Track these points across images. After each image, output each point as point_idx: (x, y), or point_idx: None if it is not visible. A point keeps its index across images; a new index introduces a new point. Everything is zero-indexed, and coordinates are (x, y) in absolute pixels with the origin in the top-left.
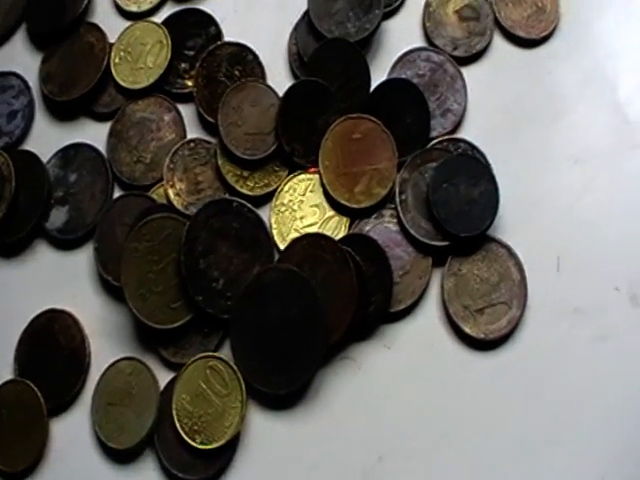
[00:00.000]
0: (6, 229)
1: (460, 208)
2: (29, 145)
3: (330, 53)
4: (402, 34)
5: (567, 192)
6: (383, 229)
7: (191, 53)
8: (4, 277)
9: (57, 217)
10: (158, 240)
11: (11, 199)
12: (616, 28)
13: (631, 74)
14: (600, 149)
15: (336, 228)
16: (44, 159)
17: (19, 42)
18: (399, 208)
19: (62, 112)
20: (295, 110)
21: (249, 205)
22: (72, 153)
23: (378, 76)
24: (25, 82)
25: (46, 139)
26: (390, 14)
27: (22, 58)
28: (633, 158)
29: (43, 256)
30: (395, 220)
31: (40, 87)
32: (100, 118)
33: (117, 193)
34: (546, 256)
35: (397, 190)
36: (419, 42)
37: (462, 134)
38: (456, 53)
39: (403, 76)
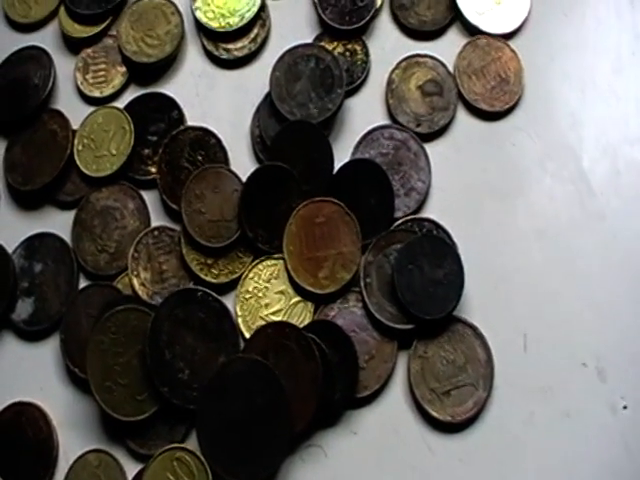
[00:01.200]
0: None
1: (425, 290)
2: None
3: (292, 136)
4: (365, 111)
5: (531, 267)
6: (348, 313)
7: (154, 138)
8: None
9: (23, 308)
10: (123, 332)
11: None
12: (579, 97)
13: (594, 144)
14: (565, 221)
15: (302, 314)
16: (9, 249)
17: None
18: (364, 292)
19: (26, 201)
20: (258, 195)
21: (214, 294)
22: (37, 243)
23: (342, 155)
24: None
25: (11, 228)
26: (352, 92)
27: None
28: (598, 229)
29: (9, 347)
30: (360, 304)
31: (5, 176)
32: (64, 207)
33: (82, 282)
34: (513, 334)
35: (362, 274)
36: (382, 119)
37: (426, 212)
38: (419, 130)
39: (366, 155)
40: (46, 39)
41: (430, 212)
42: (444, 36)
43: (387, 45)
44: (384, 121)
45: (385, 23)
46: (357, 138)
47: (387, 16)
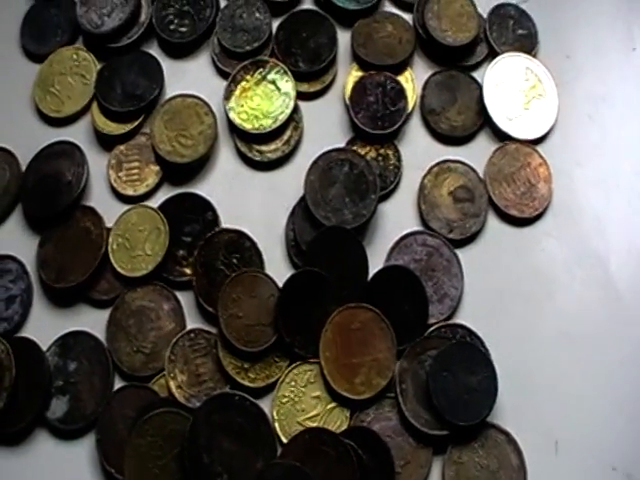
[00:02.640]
0: (6, 418)
1: (459, 397)
2: (27, 331)
3: (328, 242)
4: (397, 216)
5: (561, 372)
6: (384, 419)
7: (188, 239)
8: (4, 467)
9: (58, 407)
10: (161, 435)
11: (11, 389)
12: (604, 200)
13: (620, 248)
14: (593, 326)
15: (338, 419)
16: (43, 346)
17: (15, 224)
18: (399, 398)
19: (60, 298)
20: (294, 301)
21: (251, 399)
22: (71, 341)
23: (375, 260)
24: (23, 266)
25: (45, 325)
26: (385, 196)
27: (18, 240)
28: (625, 334)
29: (44, 446)
30: (395, 410)
31: (38, 273)
32: (98, 305)
33: (117, 382)
34: (544, 439)
35: (397, 380)
36: (414, 224)
37: (459, 317)
38: (451, 236)
39: (400, 262)
40: (78, 134)
41: (463, 317)
42: (474, 141)
43: (418, 150)
44: (416, 226)
45: (416, 127)
46: (390, 243)
47: (418, 120)
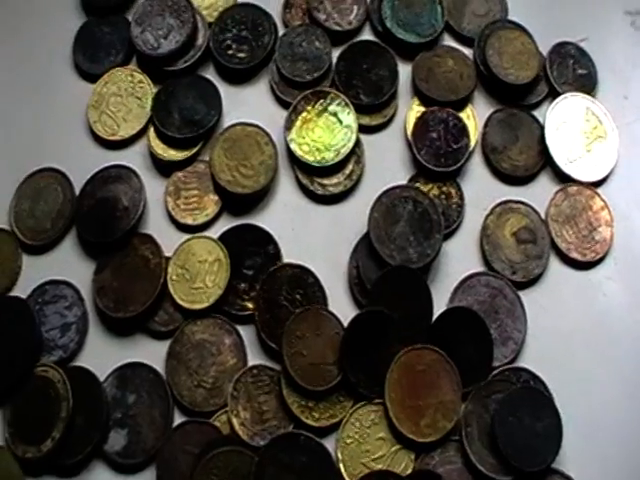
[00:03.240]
0: (63, 450)
1: (524, 442)
2: (83, 360)
3: (393, 281)
4: (460, 256)
5: (626, 418)
6: (448, 463)
7: (250, 272)
8: None
9: (116, 440)
10: (226, 474)
11: (68, 419)
12: None
13: None
14: None
15: (403, 462)
16: (100, 377)
17: (69, 248)
18: (465, 442)
19: (117, 327)
20: (359, 340)
21: (316, 439)
22: (129, 373)
23: (439, 299)
24: (78, 293)
25: (101, 355)
26: (448, 235)
27: (73, 265)
28: None
29: (102, 479)
30: (460, 453)
31: (94, 300)
32: (157, 336)
33: (177, 416)
34: None
35: (462, 423)
36: (477, 264)
37: (522, 361)
38: (514, 278)
39: (464, 302)
40: (133, 158)
41: (526, 361)
42: (535, 181)
43: (480, 188)
44: (479, 266)
45: (477, 165)
46: (453, 283)
47: (479, 158)
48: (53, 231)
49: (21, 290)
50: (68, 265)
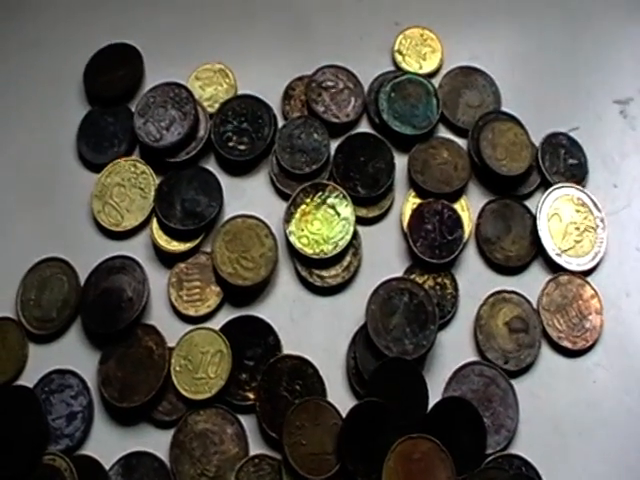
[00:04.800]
0: None
1: None
2: (89, 449)
3: (389, 373)
4: (455, 345)
5: None
6: None
7: (251, 363)
8: None
9: None
10: None
11: None
12: None
13: None
14: None
15: None
16: (105, 465)
17: (74, 337)
18: None
19: (122, 416)
20: (357, 430)
21: None
22: (134, 462)
23: (434, 388)
24: (84, 382)
25: (106, 443)
26: (442, 326)
27: (78, 355)
28: None
29: None
30: None
31: (99, 390)
32: (160, 425)
33: None
34: None
35: None
36: (471, 353)
37: (515, 448)
38: (507, 367)
39: (458, 392)
40: (137, 248)
41: (518, 448)
42: (528, 270)
43: (474, 278)
44: (473, 355)
45: (471, 256)
46: (448, 372)
47: (473, 249)
48: (59, 320)
49: (27, 379)
50: (73, 354)
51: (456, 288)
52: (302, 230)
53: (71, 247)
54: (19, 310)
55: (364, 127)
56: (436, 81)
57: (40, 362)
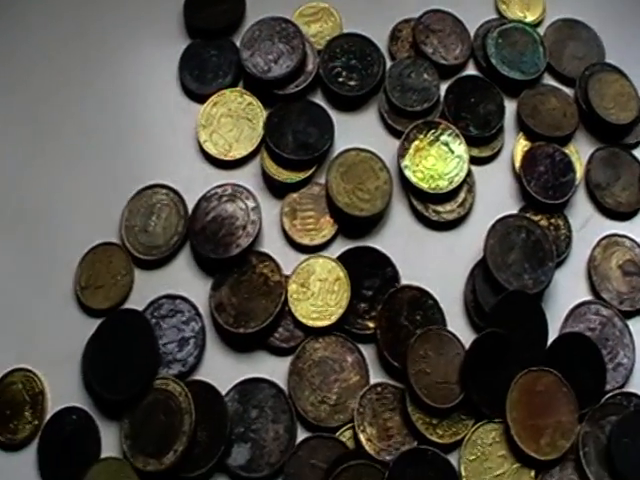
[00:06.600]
0: (186, 463)
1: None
2: (202, 374)
3: (511, 305)
4: (569, 284)
5: None
6: None
7: (369, 293)
8: None
9: (239, 454)
10: None
11: (191, 433)
12: None
13: None
14: None
15: (524, 479)
16: (221, 391)
17: (182, 264)
18: (583, 461)
19: (236, 343)
20: (480, 362)
21: (442, 454)
22: (251, 388)
23: (550, 325)
24: (196, 308)
25: (219, 370)
26: (557, 265)
27: (188, 281)
28: None
29: None
30: (577, 473)
31: (213, 316)
32: (276, 352)
33: (300, 432)
34: None
35: (580, 443)
36: (586, 293)
37: (631, 386)
38: (622, 307)
39: (576, 329)
40: (244, 178)
41: (635, 386)
42: (638, 217)
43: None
44: (588, 295)
45: (582, 199)
46: (564, 310)
47: (584, 193)
48: (166, 247)
49: (133, 304)
50: (181, 281)
51: (569, 229)
52: (417, 165)
53: (176, 175)
54: (124, 235)
55: (471, 71)
56: (539, 31)
57: (146, 288)
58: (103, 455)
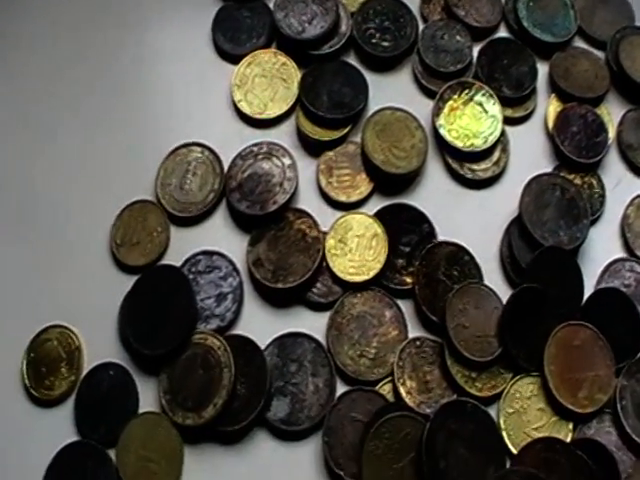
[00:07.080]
0: (226, 417)
1: None
2: (240, 329)
3: (547, 261)
4: (603, 242)
5: None
6: (604, 433)
7: (407, 249)
8: (224, 465)
9: (279, 407)
10: (397, 439)
11: (231, 387)
12: None
13: None
14: None
15: (561, 431)
16: (261, 345)
17: (218, 221)
18: (620, 414)
19: (273, 298)
20: (518, 316)
21: (482, 407)
22: (290, 342)
23: (585, 283)
24: (233, 264)
25: (258, 325)
26: (591, 223)
27: (224, 237)
28: None
29: (265, 446)
30: (615, 425)
31: (250, 271)
32: (314, 307)
33: (339, 385)
34: None
35: (617, 397)
36: (620, 250)
37: None
38: None
39: (611, 285)
40: (279, 137)
41: None
42: None
43: (616, 181)
44: (621, 253)
45: (614, 160)
46: (598, 267)
47: (616, 154)
48: (203, 204)
49: (170, 261)
50: (218, 237)
51: (603, 188)
52: (451, 124)
53: (211, 135)
54: (159, 193)
55: (502, 33)
56: None
57: (183, 245)
58: (141, 410)
